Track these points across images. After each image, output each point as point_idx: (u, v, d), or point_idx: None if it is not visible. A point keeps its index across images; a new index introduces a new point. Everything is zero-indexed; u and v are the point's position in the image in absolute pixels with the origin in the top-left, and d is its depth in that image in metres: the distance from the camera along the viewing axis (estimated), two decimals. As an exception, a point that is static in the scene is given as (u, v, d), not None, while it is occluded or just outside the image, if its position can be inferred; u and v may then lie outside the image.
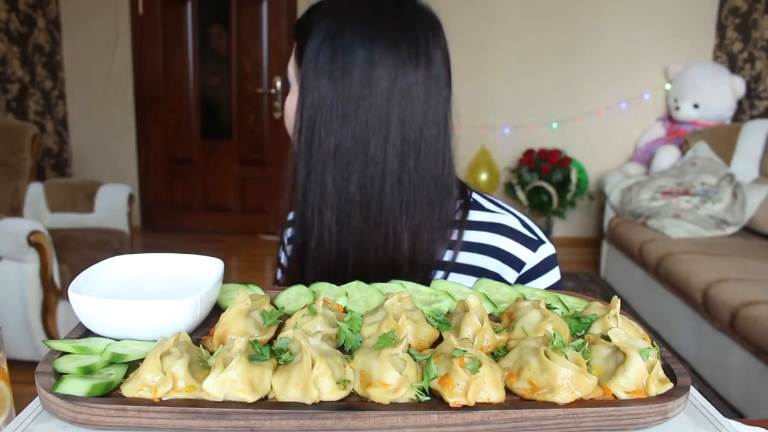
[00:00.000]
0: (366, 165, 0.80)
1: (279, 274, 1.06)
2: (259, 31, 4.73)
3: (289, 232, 1.02)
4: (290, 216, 1.02)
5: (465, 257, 0.87)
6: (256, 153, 4.93)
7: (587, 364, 0.53)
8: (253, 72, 4.79)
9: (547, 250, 0.89)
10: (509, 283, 0.85)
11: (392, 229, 0.81)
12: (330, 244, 0.82)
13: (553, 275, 0.89)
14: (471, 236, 0.88)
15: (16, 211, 3.21)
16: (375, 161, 0.79)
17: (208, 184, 5.02)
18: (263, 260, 4.43)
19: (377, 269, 0.82)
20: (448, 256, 0.87)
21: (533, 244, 0.87)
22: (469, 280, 0.86)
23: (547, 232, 4.56)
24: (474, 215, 0.89)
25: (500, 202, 0.93)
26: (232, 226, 5.00)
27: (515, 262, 0.87)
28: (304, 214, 0.84)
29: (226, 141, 4.94)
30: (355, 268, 0.83)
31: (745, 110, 4.37)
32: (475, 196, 0.91)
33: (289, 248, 1.00)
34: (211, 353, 0.54)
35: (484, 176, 4.48)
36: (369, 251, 0.82)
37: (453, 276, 0.87)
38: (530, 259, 0.87)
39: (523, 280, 0.87)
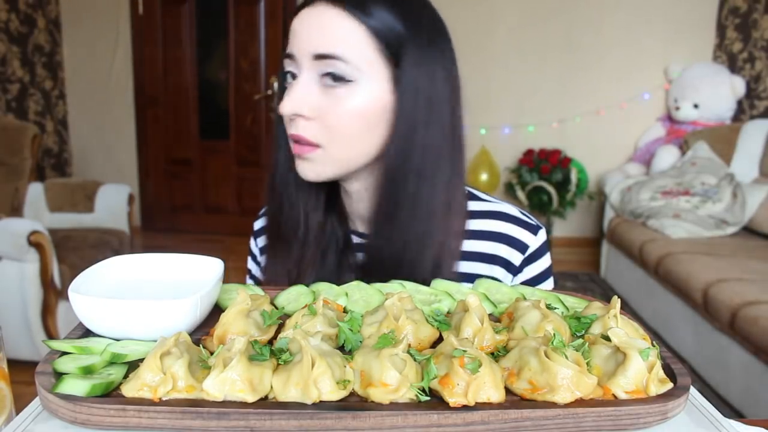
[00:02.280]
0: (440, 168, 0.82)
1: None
2: (256, 31, 4.72)
3: (260, 241, 1.01)
4: (259, 224, 1.01)
5: (474, 245, 0.90)
6: (254, 154, 4.92)
7: (587, 364, 0.53)
8: (250, 72, 4.78)
9: (543, 234, 0.93)
10: (517, 267, 0.89)
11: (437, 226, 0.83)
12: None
13: (548, 258, 0.93)
14: (476, 224, 0.90)
15: (16, 211, 3.21)
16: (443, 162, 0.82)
17: (207, 184, 5.02)
18: (263, 260, 4.42)
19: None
20: None
21: (533, 229, 0.91)
22: (483, 267, 0.89)
23: (547, 231, 4.57)
24: (473, 205, 0.92)
25: (490, 195, 0.97)
26: (230, 227, 4.99)
27: (522, 246, 0.90)
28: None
29: (224, 141, 4.92)
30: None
31: (745, 110, 4.37)
32: (468, 188, 0.94)
33: (262, 258, 0.98)
34: (211, 353, 0.54)
35: (484, 176, 4.48)
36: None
37: (465, 264, 0.89)
38: (533, 242, 0.91)
39: (526, 262, 0.91)
